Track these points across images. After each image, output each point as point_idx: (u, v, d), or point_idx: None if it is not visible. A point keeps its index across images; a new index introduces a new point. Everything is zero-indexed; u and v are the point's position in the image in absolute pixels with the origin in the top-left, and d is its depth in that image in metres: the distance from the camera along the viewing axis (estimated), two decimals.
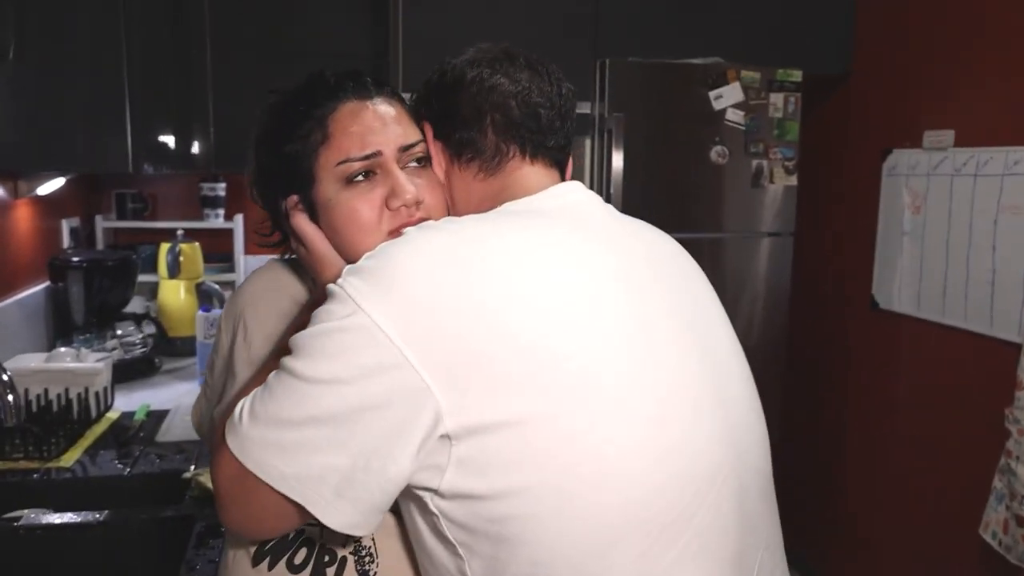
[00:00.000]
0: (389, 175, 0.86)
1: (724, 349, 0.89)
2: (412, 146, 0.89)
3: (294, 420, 0.71)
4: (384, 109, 0.89)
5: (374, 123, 0.87)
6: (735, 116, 2.50)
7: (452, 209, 0.92)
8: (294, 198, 0.90)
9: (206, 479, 1.44)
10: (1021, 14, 2.11)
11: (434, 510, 0.74)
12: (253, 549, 0.89)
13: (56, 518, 1.37)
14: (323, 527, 0.77)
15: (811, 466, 2.96)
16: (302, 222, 0.90)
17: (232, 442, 0.74)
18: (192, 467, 1.56)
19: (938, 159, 2.38)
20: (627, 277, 0.81)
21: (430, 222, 0.83)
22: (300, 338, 0.73)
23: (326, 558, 0.87)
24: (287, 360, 0.73)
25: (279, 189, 0.92)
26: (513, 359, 0.70)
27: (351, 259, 0.84)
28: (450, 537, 0.75)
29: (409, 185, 0.86)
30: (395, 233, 0.85)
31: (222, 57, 2.39)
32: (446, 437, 0.70)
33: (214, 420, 1.00)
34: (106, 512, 1.38)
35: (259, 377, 0.80)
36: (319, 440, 0.70)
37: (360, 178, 0.86)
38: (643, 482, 0.73)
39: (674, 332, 0.81)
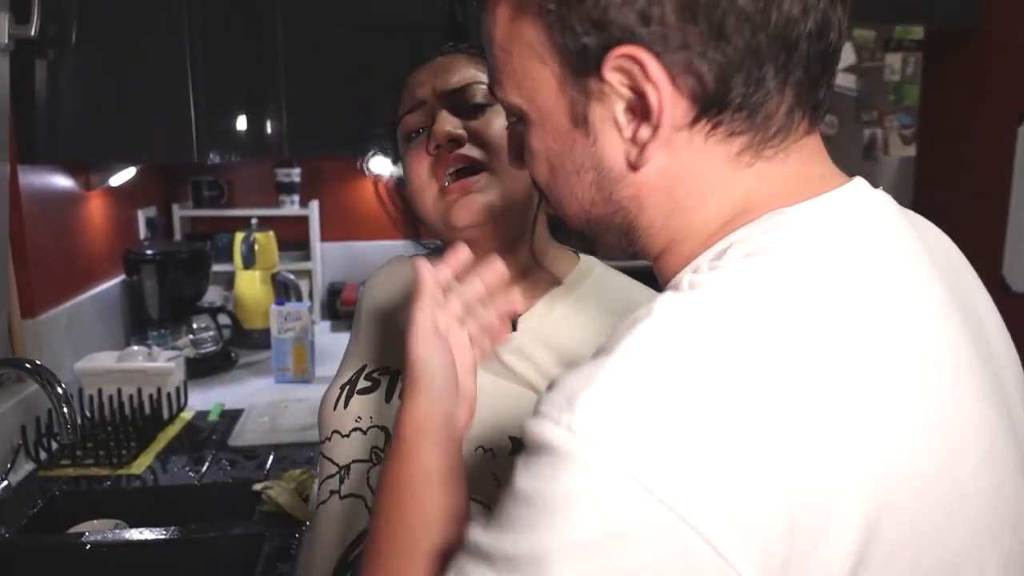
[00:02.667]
0: (431, 115, 0.81)
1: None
2: (461, 88, 0.81)
3: None
4: (441, 61, 0.85)
5: (425, 75, 0.84)
6: (845, 81, 2.25)
7: (639, 215, 0.54)
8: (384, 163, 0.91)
9: (277, 492, 1.35)
10: None
11: None
12: (336, 559, 0.82)
13: (122, 535, 1.30)
14: None
15: None
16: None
17: None
18: (264, 476, 1.48)
19: None
20: (975, 344, 0.52)
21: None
22: None
23: None
24: None
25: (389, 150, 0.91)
26: None
27: (425, 222, 0.84)
28: None
29: (446, 122, 0.79)
30: (447, 191, 0.79)
31: (293, 33, 2.28)
32: None
33: None
34: (172, 528, 1.30)
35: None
36: None
37: (415, 134, 0.83)
38: None
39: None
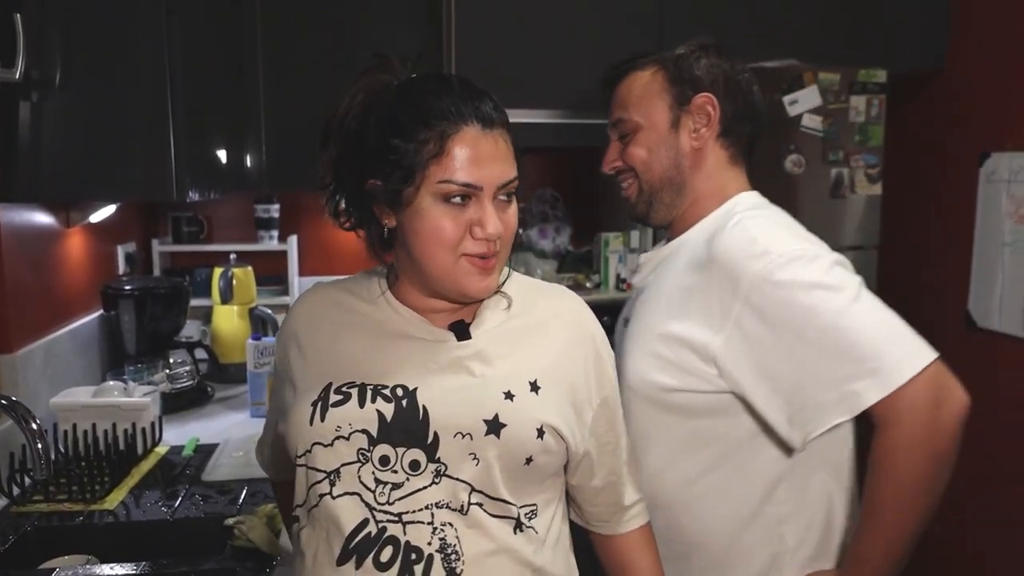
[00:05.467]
0: (481, 206, 0.91)
1: None
2: (508, 183, 0.93)
3: None
4: (498, 144, 0.92)
5: (486, 157, 0.91)
6: (812, 122, 2.32)
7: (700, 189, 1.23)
8: (375, 183, 0.93)
9: (248, 527, 1.36)
10: None
11: None
12: (338, 550, 0.92)
13: (93, 571, 1.30)
14: (406, 524, 0.89)
15: None
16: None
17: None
18: (237, 511, 1.48)
19: None
20: None
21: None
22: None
23: (412, 556, 0.90)
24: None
25: (366, 168, 0.94)
26: None
27: (415, 266, 0.95)
28: None
29: (497, 222, 0.91)
30: (467, 258, 0.92)
31: (273, 72, 2.33)
32: None
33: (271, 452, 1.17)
34: (143, 564, 1.30)
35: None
36: None
37: (456, 200, 0.90)
38: None
39: None
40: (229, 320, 2.43)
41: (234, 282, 2.43)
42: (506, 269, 1.03)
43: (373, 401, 0.93)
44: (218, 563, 1.32)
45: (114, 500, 1.55)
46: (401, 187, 0.91)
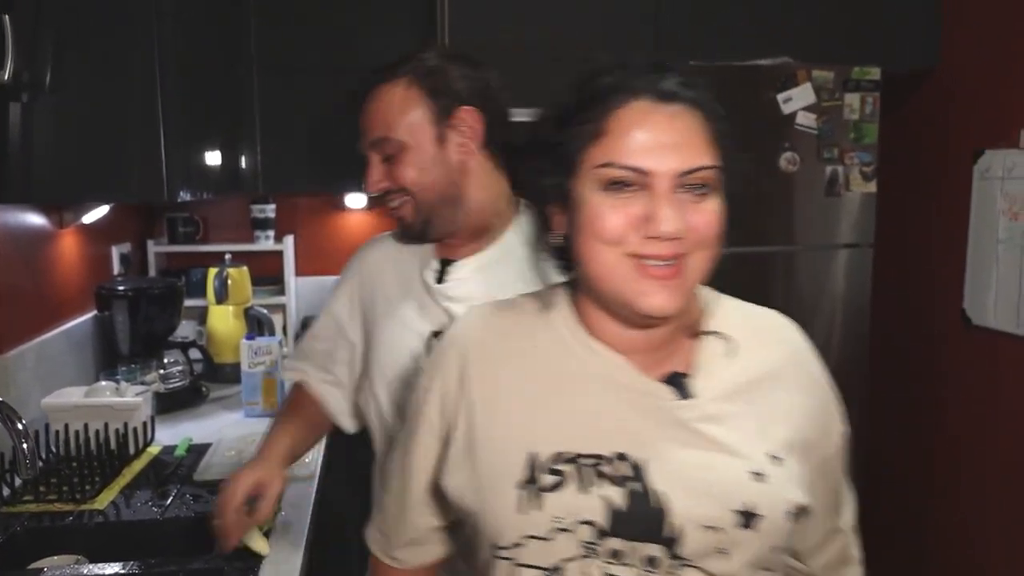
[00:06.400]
0: (654, 197, 0.74)
1: None
2: (693, 171, 0.74)
3: None
4: (676, 122, 0.75)
5: (658, 135, 0.74)
6: (806, 120, 2.31)
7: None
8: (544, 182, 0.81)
9: None
10: None
11: None
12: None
13: (81, 570, 1.30)
14: None
15: (896, 500, 2.73)
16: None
17: None
18: None
19: None
20: None
21: None
22: None
23: None
24: None
25: (545, 166, 0.81)
26: None
27: (579, 262, 0.79)
28: None
29: (675, 218, 0.73)
30: (634, 260, 0.75)
31: (267, 73, 2.34)
32: None
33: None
34: (132, 563, 1.30)
35: None
36: None
37: (620, 187, 0.75)
38: None
39: None
40: (224, 320, 2.43)
41: (229, 282, 2.43)
42: (713, 293, 0.87)
43: (597, 484, 0.76)
44: (206, 562, 1.32)
45: (104, 500, 1.55)
46: (563, 180, 0.78)
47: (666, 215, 0.73)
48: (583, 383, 0.81)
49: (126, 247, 2.49)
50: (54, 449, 1.67)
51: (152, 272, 2.66)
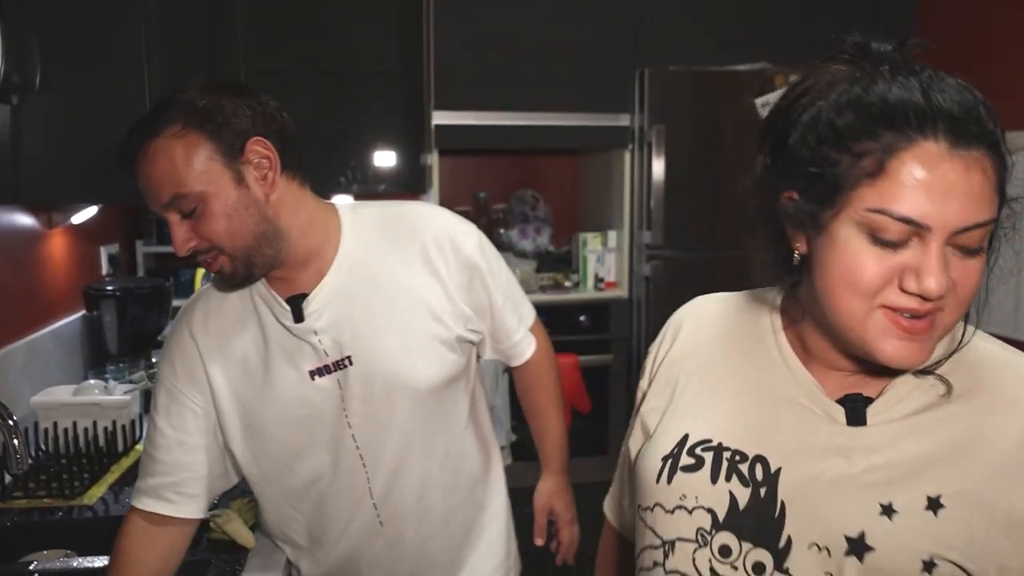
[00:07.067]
0: (925, 251, 0.67)
1: None
2: (972, 228, 0.66)
3: None
4: (974, 172, 0.66)
5: (946, 188, 0.65)
6: None
7: None
8: (791, 196, 0.73)
9: (223, 520, 1.39)
10: None
11: None
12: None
13: (70, 564, 1.33)
14: None
15: None
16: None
17: None
18: (213, 505, 1.51)
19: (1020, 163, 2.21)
20: None
21: None
22: None
23: None
24: None
25: (785, 177, 0.73)
26: None
27: (818, 300, 0.72)
28: None
29: (943, 276, 0.66)
30: (887, 311, 0.69)
31: (255, 77, 2.36)
32: None
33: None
34: None
35: None
36: None
37: (889, 238, 0.67)
38: None
39: None
40: None
41: None
42: (980, 335, 0.79)
43: (728, 478, 0.78)
44: (193, 555, 1.35)
45: (93, 496, 1.58)
46: (817, 209, 0.70)
47: (935, 272, 0.66)
48: (764, 393, 0.81)
49: (114, 247, 2.52)
50: (43, 446, 1.70)
51: (140, 272, 2.68)
